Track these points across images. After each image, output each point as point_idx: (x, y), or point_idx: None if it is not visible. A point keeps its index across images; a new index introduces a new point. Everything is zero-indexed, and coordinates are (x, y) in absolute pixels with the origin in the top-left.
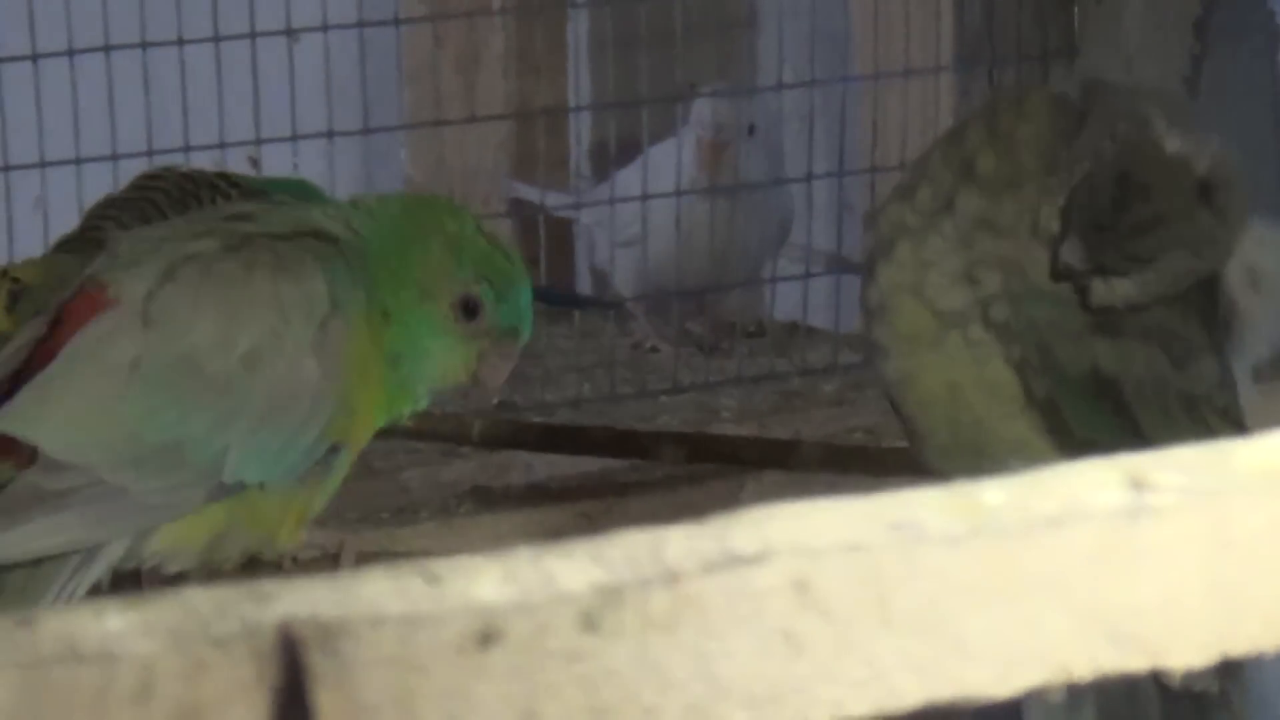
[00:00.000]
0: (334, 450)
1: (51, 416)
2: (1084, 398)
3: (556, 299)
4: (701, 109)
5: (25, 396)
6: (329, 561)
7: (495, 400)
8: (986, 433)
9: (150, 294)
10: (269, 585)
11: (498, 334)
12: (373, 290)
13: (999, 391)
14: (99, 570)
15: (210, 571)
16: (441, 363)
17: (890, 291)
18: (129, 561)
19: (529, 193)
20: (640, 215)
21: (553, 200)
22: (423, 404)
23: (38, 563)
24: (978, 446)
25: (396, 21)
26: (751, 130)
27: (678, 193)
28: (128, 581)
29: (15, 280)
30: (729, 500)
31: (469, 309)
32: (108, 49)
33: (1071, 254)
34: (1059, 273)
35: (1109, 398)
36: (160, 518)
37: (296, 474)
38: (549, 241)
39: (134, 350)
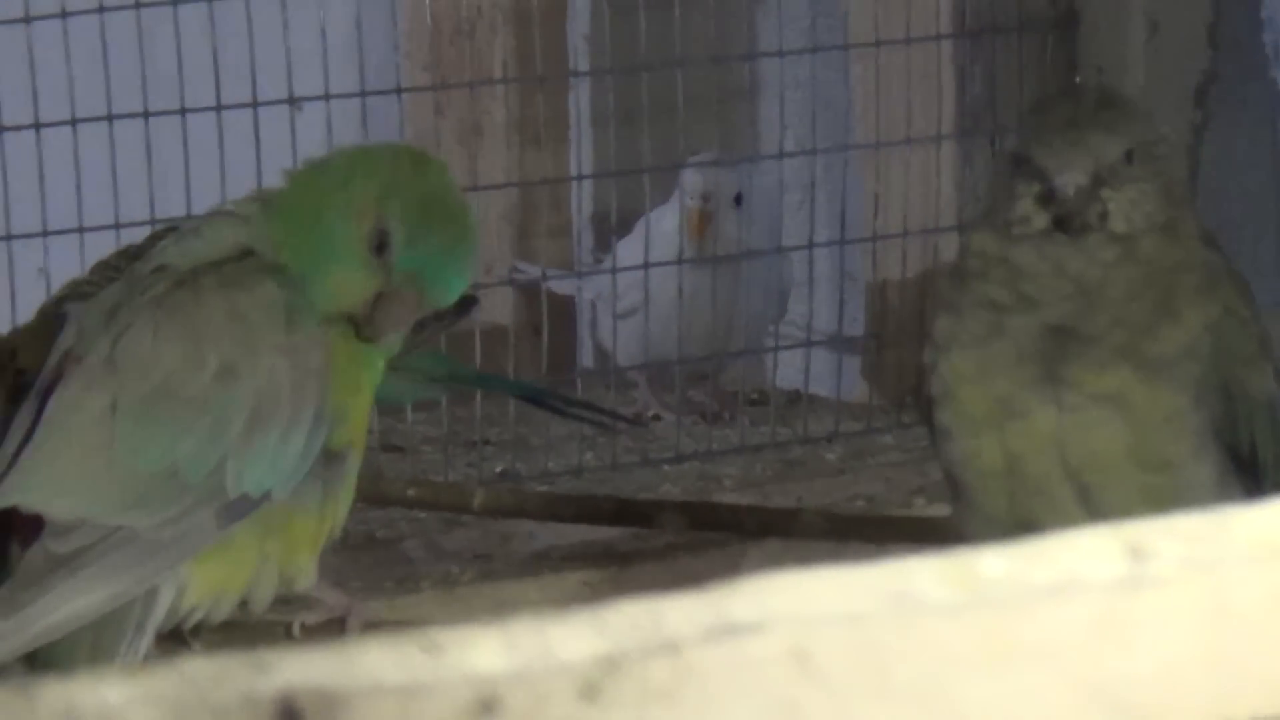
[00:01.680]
0: (338, 458)
1: (45, 480)
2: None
3: (561, 407)
4: (687, 177)
5: (17, 468)
6: (335, 627)
7: (380, 341)
8: (1052, 499)
9: (113, 342)
10: (269, 655)
11: (401, 279)
12: (282, 248)
13: (1105, 446)
14: (154, 624)
15: (224, 630)
16: (338, 282)
17: (954, 381)
18: (172, 620)
19: (530, 271)
20: (641, 283)
21: (555, 283)
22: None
23: (97, 633)
24: (1031, 516)
25: (399, 90)
26: (739, 199)
27: (679, 261)
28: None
29: (20, 372)
30: (730, 569)
31: (380, 242)
32: (110, 118)
33: (1073, 175)
34: (1065, 208)
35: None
36: (179, 554)
37: (300, 477)
38: (551, 317)
39: (108, 396)
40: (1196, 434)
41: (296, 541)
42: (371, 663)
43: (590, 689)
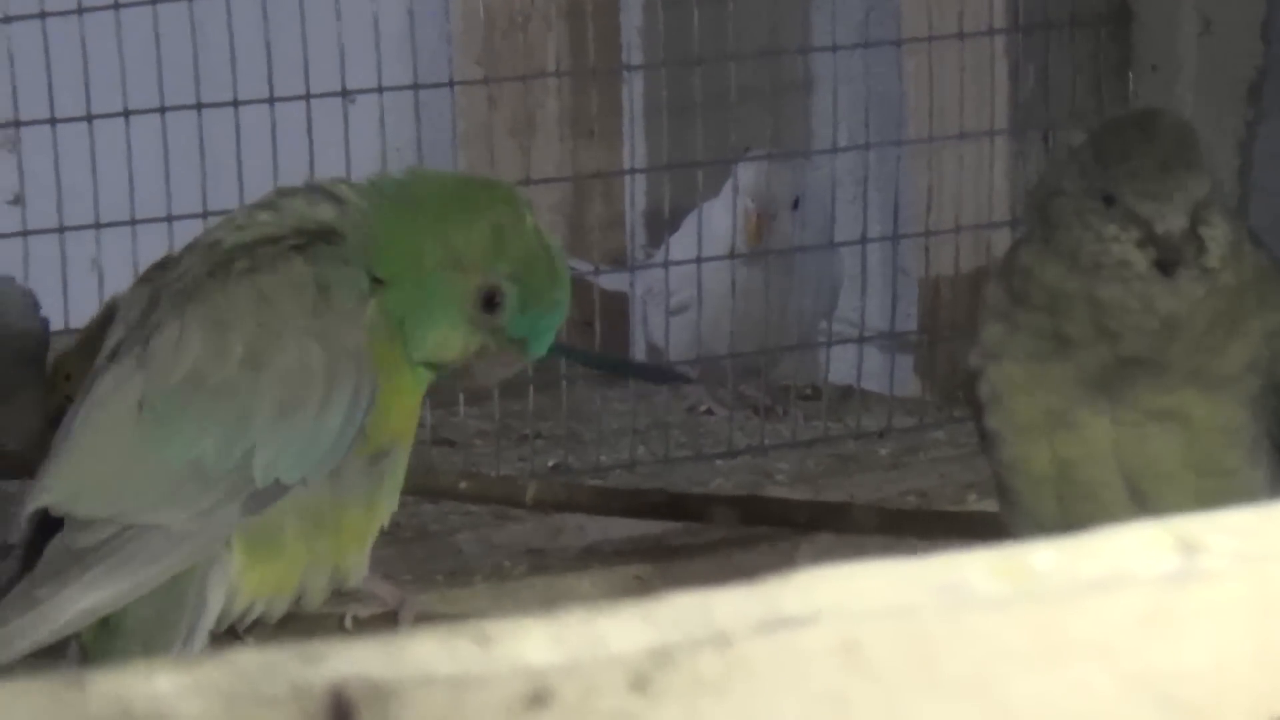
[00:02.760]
0: (384, 454)
1: (72, 481)
2: None
3: (616, 366)
4: (743, 178)
5: (48, 471)
6: (388, 620)
7: (482, 382)
8: (1104, 502)
9: (146, 338)
10: (319, 646)
11: (505, 338)
12: (376, 258)
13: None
14: (206, 627)
15: (276, 624)
16: (442, 335)
17: (1004, 389)
18: (225, 622)
19: (583, 268)
20: (693, 279)
21: (607, 279)
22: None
23: (148, 637)
24: (1082, 519)
25: (451, 84)
26: (796, 204)
27: (731, 256)
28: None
29: (68, 398)
30: (782, 563)
31: (490, 302)
32: (163, 110)
33: (1172, 217)
34: (1167, 249)
35: None
36: (204, 549)
37: (338, 458)
38: (604, 312)
39: (135, 393)
40: (1254, 440)
41: (346, 538)
42: (422, 654)
43: (641, 680)
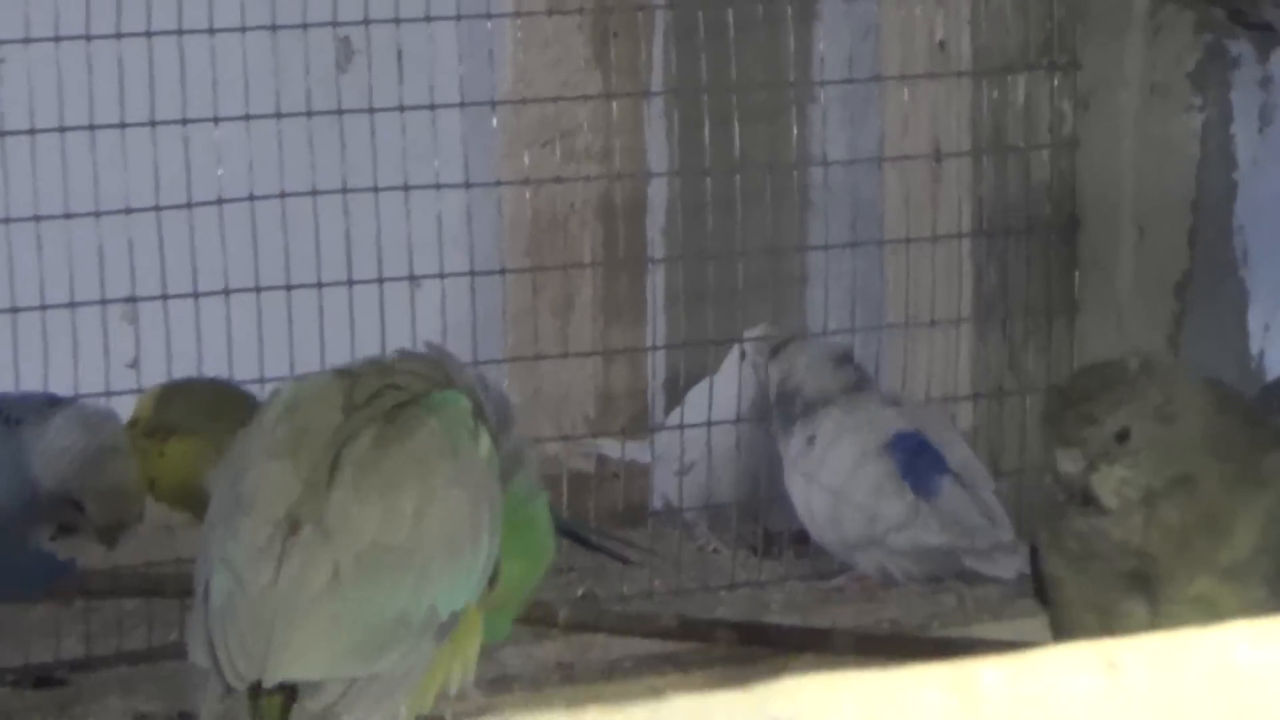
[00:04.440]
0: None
1: (295, 654)
2: None
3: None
4: (750, 347)
5: (274, 648)
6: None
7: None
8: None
9: (321, 510)
10: None
11: None
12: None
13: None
14: None
15: None
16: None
17: (1056, 582)
18: None
19: (611, 448)
20: (703, 442)
21: (631, 451)
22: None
23: None
24: None
25: (503, 271)
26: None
27: (736, 420)
28: None
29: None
30: (773, 676)
31: None
32: (258, 290)
33: (1067, 462)
34: (1069, 490)
35: None
36: (410, 681)
37: (485, 582)
38: (627, 480)
39: (329, 566)
40: (1274, 610)
41: (471, 645)
42: None
43: None
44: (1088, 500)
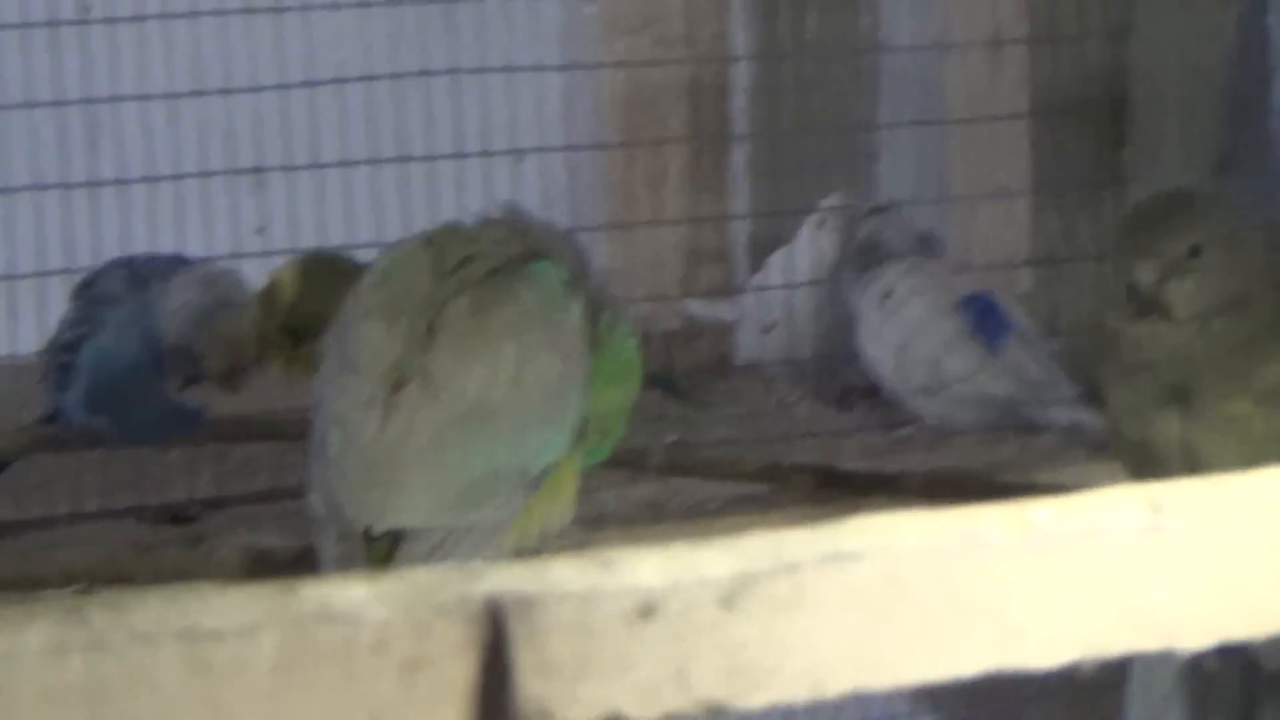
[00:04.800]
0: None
1: (403, 502)
2: None
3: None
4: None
5: (382, 496)
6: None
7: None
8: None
9: (424, 369)
10: (478, 567)
11: None
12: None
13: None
14: None
15: None
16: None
17: (1114, 408)
18: None
19: (700, 309)
20: (783, 302)
21: (717, 311)
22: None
23: None
24: None
25: (599, 146)
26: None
27: (813, 282)
28: None
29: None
30: (844, 516)
31: None
32: (374, 162)
33: (1144, 273)
34: (1142, 299)
35: None
36: (503, 529)
37: (575, 435)
38: (713, 337)
39: (432, 422)
40: None
41: (566, 491)
42: (560, 574)
43: (728, 599)
44: (1155, 309)
